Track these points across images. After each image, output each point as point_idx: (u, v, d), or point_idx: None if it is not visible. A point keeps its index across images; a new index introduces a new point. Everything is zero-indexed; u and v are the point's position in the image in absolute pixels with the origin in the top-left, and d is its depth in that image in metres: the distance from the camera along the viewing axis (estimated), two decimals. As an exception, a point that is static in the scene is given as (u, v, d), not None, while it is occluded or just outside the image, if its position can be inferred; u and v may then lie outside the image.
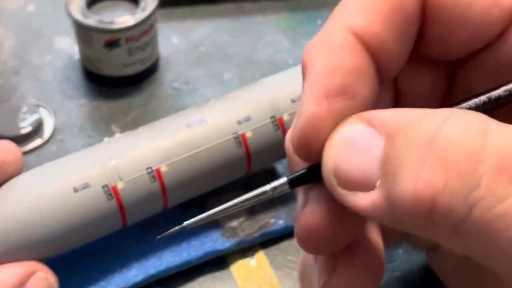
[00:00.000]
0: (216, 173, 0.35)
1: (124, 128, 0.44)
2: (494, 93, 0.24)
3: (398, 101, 0.29)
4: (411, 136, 0.21)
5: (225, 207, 0.26)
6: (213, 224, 0.38)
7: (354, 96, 0.24)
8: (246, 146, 0.36)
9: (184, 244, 0.37)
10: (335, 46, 0.25)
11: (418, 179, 0.20)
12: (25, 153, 0.42)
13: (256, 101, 0.36)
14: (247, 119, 0.35)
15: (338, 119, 0.24)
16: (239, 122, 0.35)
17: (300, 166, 0.26)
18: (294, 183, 0.25)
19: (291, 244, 0.38)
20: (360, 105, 0.24)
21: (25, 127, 0.43)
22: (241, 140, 0.35)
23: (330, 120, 0.24)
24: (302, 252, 0.37)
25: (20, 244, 0.31)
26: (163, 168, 0.34)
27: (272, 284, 0.36)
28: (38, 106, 0.45)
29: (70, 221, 0.32)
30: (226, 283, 0.36)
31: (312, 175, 0.25)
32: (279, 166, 0.41)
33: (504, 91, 0.24)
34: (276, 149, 0.36)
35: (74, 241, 0.33)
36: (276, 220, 0.38)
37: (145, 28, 0.44)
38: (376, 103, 0.26)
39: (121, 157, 0.34)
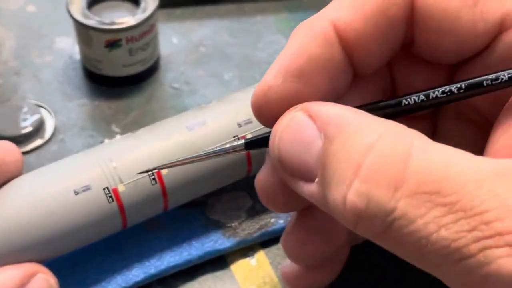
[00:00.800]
0: (216, 175, 0.35)
1: (124, 128, 0.44)
2: (432, 92, 0.26)
3: (394, 88, 0.30)
4: (346, 147, 0.23)
5: (193, 156, 0.29)
6: (214, 224, 0.38)
7: (308, 83, 0.26)
8: (246, 148, 0.36)
9: (184, 244, 0.37)
10: (311, 33, 0.26)
11: (346, 198, 0.22)
12: (25, 153, 0.42)
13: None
14: (248, 122, 0.35)
15: (288, 99, 0.26)
16: (239, 125, 0.35)
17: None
18: (249, 145, 0.28)
19: (291, 244, 0.38)
20: (313, 93, 0.26)
21: (26, 127, 0.43)
22: (241, 142, 0.35)
23: (279, 96, 0.26)
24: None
25: (20, 246, 0.31)
26: (164, 171, 0.34)
27: (272, 284, 0.36)
28: (38, 106, 0.45)
29: (71, 223, 0.32)
30: (227, 282, 0.36)
31: (267, 141, 0.27)
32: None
33: (442, 93, 0.26)
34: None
35: (74, 243, 0.33)
36: (276, 220, 0.38)
37: (146, 29, 0.45)
38: (349, 94, 0.28)
39: (121, 159, 0.33)
